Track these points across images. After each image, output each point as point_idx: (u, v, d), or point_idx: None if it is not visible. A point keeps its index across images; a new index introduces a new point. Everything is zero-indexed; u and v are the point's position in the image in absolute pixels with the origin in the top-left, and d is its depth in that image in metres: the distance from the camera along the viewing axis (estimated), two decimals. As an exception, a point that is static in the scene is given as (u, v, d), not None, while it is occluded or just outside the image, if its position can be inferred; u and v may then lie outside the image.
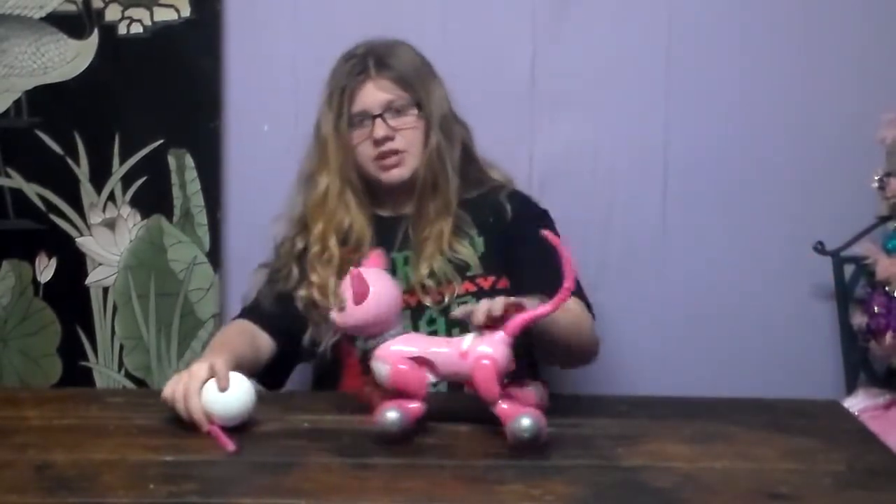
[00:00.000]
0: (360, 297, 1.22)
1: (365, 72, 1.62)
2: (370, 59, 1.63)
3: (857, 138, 1.91)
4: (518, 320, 1.22)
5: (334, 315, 1.26)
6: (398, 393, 1.22)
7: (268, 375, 1.59)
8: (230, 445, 1.18)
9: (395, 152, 1.62)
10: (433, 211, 1.63)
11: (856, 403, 1.81)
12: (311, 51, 2.01)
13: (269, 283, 1.67)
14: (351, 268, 1.25)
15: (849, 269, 1.96)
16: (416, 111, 1.63)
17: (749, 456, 1.18)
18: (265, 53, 2.04)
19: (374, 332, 1.24)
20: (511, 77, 2.01)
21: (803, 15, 1.99)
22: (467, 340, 1.21)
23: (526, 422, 1.16)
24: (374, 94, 1.61)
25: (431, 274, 1.59)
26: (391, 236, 1.65)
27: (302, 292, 1.62)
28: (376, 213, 1.68)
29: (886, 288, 1.78)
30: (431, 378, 1.22)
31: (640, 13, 2.00)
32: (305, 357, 1.67)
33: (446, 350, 1.22)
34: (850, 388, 1.92)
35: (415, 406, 1.21)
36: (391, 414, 1.20)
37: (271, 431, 1.26)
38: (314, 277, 1.62)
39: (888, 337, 1.76)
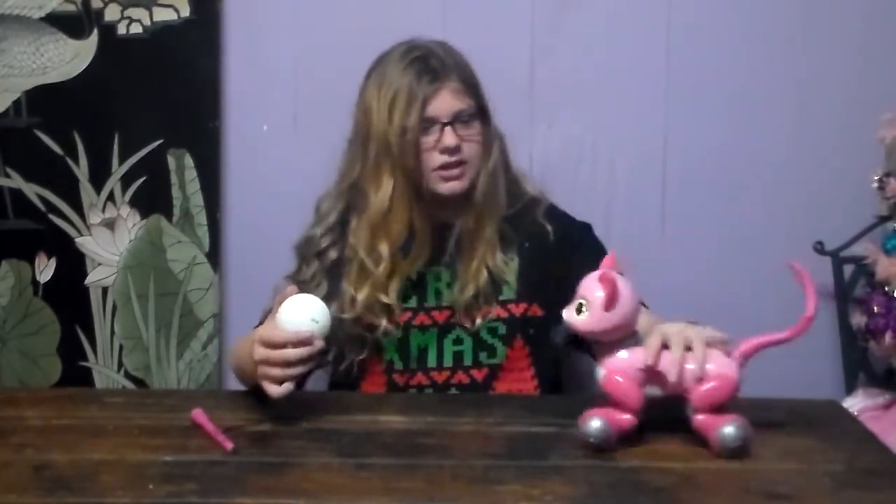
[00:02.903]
0: (611, 301, 1.19)
1: (437, 77, 1.53)
2: (433, 60, 1.55)
3: (857, 138, 1.91)
4: (754, 343, 1.23)
5: (572, 317, 1.22)
6: (613, 402, 1.20)
7: None
8: (228, 444, 1.18)
9: (459, 163, 1.55)
10: (487, 226, 1.57)
11: (855, 403, 1.81)
12: (311, 51, 2.01)
13: None
14: (602, 271, 1.22)
15: (848, 269, 1.96)
16: (479, 122, 1.56)
17: (748, 456, 1.17)
18: (265, 53, 2.04)
19: (614, 338, 1.22)
20: (511, 77, 2.01)
21: (803, 15, 1.99)
22: (699, 358, 1.21)
23: (729, 430, 1.16)
24: (448, 100, 1.53)
25: (476, 295, 1.55)
26: (437, 248, 1.58)
27: (346, 315, 1.54)
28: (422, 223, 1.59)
29: (886, 288, 1.78)
30: (659, 393, 1.21)
31: (640, 13, 2.00)
32: (329, 371, 1.63)
33: (673, 367, 1.20)
34: (850, 388, 1.92)
35: (625, 418, 1.20)
36: (595, 423, 1.19)
37: (271, 431, 1.26)
38: (362, 293, 1.54)
39: (887, 337, 1.76)
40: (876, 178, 1.82)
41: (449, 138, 1.53)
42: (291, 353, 1.26)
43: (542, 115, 2.02)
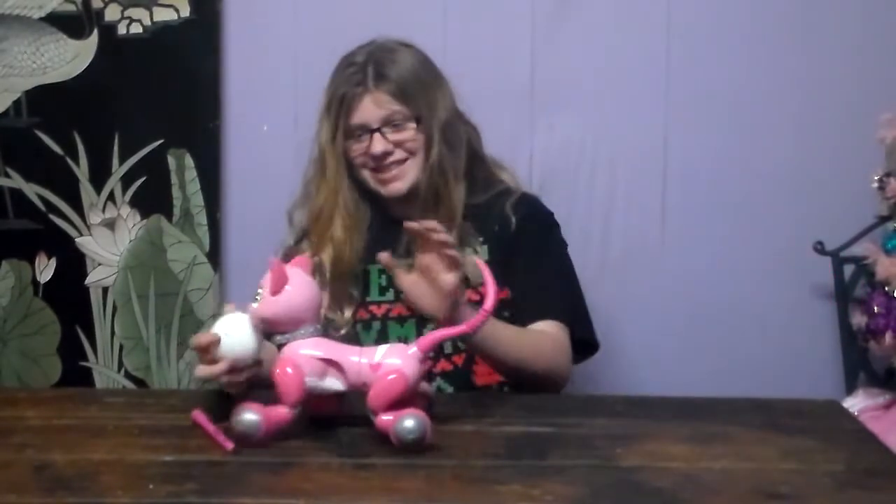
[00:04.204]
0: (276, 288, 1.21)
1: (363, 83, 1.58)
2: (370, 68, 1.58)
3: (857, 138, 1.91)
4: (430, 337, 1.22)
5: (252, 307, 1.24)
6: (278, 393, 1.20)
7: None
8: (228, 444, 1.18)
9: (396, 164, 1.60)
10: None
11: (856, 403, 1.81)
12: (311, 51, 2.01)
13: None
14: (270, 259, 1.23)
15: (849, 269, 1.96)
16: (414, 125, 1.59)
17: (748, 456, 1.17)
18: (265, 53, 2.04)
19: (286, 328, 1.22)
20: (511, 77, 2.01)
21: (803, 15, 1.99)
22: (380, 352, 1.20)
23: (410, 422, 1.15)
24: (371, 108, 1.58)
25: None
26: (395, 242, 1.59)
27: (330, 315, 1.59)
28: (383, 215, 1.65)
29: (886, 288, 1.78)
30: (340, 385, 1.20)
31: (640, 13, 2.00)
32: None
33: (357, 359, 1.20)
34: (850, 388, 1.92)
35: (281, 411, 1.19)
36: (249, 416, 1.18)
37: (271, 431, 1.26)
38: (326, 289, 1.59)
39: (888, 337, 1.76)
40: (876, 178, 1.82)
41: (376, 145, 1.58)
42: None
43: (542, 115, 2.02)
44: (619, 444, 1.20)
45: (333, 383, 1.21)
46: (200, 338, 1.26)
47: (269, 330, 1.24)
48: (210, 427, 1.23)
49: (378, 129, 1.58)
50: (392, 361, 1.19)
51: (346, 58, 1.63)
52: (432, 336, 1.22)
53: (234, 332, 1.25)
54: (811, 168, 2.01)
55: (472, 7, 2.02)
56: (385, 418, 1.17)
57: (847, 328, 1.92)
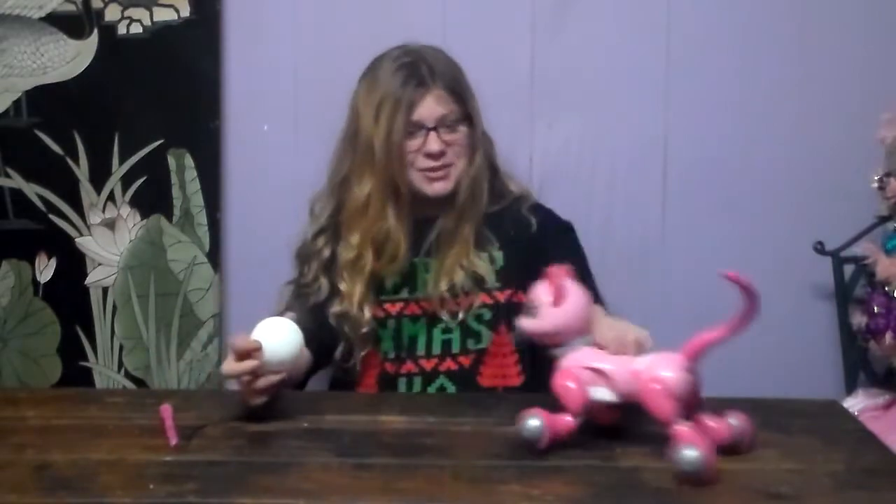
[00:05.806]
0: (559, 299, 1.21)
1: (423, 83, 1.58)
2: (423, 67, 1.59)
3: (857, 138, 1.91)
4: (697, 343, 1.19)
5: (524, 321, 1.23)
6: (559, 402, 1.20)
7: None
8: (173, 440, 1.19)
9: (444, 165, 1.61)
10: (466, 226, 1.62)
11: (856, 403, 1.81)
12: (310, 51, 2.01)
13: (298, 298, 1.64)
14: (551, 270, 1.23)
15: (848, 269, 1.96)
16: (465, 126, 1.61)
17: (749, 456, 1.18)
18: (265, 54, 2.04)
19: (564, 340, 1.22)
20: (511, 77, 2.01)
21: (803, 15, 1.99)
22: (644, 361, 1.19)
23: (689, 453, 1.09)
24: (432, 106, 1.59)
25: (451, 288, 1.59)
26: (419, 240, 1.64)
27: (335, 308, 1.61)
28: (412, 214, 1.65)
29: (886, 288, 1.78)
30: (608, 396, 1.19)
31: (640, 13, 2.00)
32: (333, 367, 1.67)
33: (621, 368, 1.19)
34: (850, 388, 1.92)
35: (565, 420, 1.20)
36: (533, 422, 1.19)
37: (271, 431, 1.26)
38: (343, 286, 1.60)
39: (888, 337, 1.76)
40: (876, 178, 1.82)
41: (433, 143, 1.58)
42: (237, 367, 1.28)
43: (542, 115, 2.02)
44: (619, 444, 1.20)
45: (604, 394, 1.20)
46: (239, 341, 1.27)
47: (544, 342, 1.24)
48: (168, 421, 1.23)
49: (434, 129, 1.59)
50: (656, 372, 1.16)
51: (391, 59, 1.61)
52: (698, 342, 1.19)
53: (276, 337, 1.28)
54: (811, 168, 2.00)
55: (472, 7, 2.02)
56: (679, 429, 1.12)
57: (847, 328, 1.92)
